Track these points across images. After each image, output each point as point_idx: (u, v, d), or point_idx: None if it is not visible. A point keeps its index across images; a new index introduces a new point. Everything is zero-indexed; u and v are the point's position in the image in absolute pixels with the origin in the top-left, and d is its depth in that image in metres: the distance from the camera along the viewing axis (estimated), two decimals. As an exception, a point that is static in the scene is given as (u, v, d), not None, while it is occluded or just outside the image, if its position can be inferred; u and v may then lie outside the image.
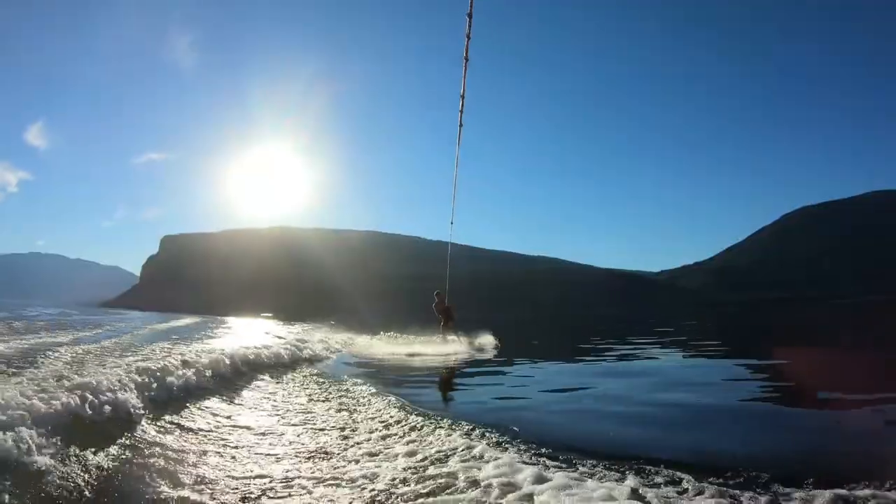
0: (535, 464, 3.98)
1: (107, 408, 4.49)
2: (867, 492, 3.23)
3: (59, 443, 3.63)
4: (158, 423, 4.94)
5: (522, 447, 4.45)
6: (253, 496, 3.50)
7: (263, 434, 5.19)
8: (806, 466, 3.67)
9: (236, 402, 6.72)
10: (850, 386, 6.97)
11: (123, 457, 3.94)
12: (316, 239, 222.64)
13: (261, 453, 4.53)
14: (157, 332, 17.10)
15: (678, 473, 3.62)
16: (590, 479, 3.66)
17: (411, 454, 4.39)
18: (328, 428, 5.43)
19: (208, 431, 5.11)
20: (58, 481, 3.29)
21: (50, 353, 8.13)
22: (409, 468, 4.03)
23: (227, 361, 8.39)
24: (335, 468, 4.10)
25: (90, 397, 4.43)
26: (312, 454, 4.52)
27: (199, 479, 3.77)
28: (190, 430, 5.06)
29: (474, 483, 3.67)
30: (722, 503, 3.17)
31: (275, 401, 7.08)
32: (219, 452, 4.48)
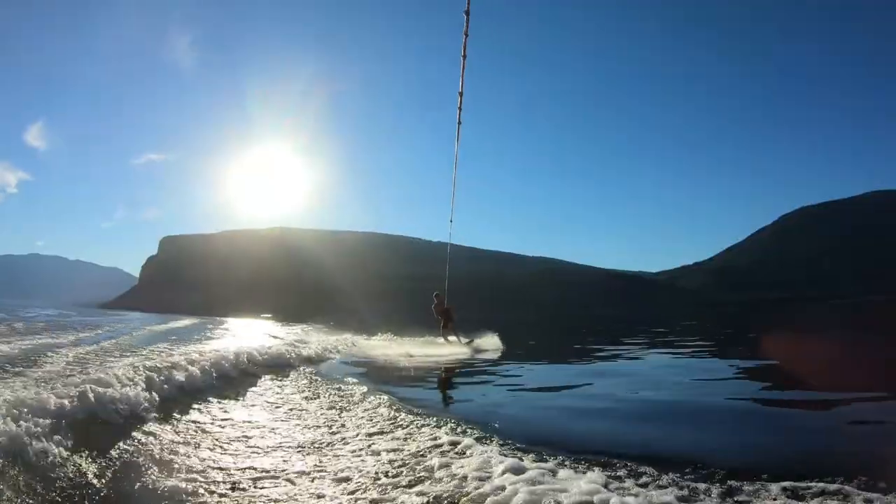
0: (510, 457, 4.21)
1: (112, 404, 4.76)
2: (816, 485, 3.46)
3: (59, 437, 3.88)
4: (156, 418, 5.21)
5: (500, 442, 4.68)
6: (241, 486, 3.75)
7: (255, 429, 5.46)
8: (760, 462, 3.90)
9: (232, 399, 7.00)
10: (827, 386, 7.15)
11: (121, 449, 4.21)
12: (315, 240, 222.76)
13: (251, 447, 4.79)
14: (155, 334, 17.36)
15: (641, 467, 3.86)
16: (562, 470, 3.89)
17: (395, 449, 4.63)
18: (318, 425, 5.69)
19: (202, 426, 5.39)
20: (54, 475, 3.53)
21: (51, 353, 8.38)
22: (392, 461, 4.27)
23: (226, 362, 8.69)
24: (321, 461, 4.36)
25: (91, 396, 4.68)
26: (300, 448, 4.77)
27: (190, 469, 4.05)
28: (185, 424, 5.34)
29: (452, 475, 3.92)
30: (678, 493, 3.41)
31: (270, 399, 7.35)
32: (210, 446, 4.75)
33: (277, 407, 6.75)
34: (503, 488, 3.63)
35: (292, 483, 3.82)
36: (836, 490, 3.39)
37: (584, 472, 3.82)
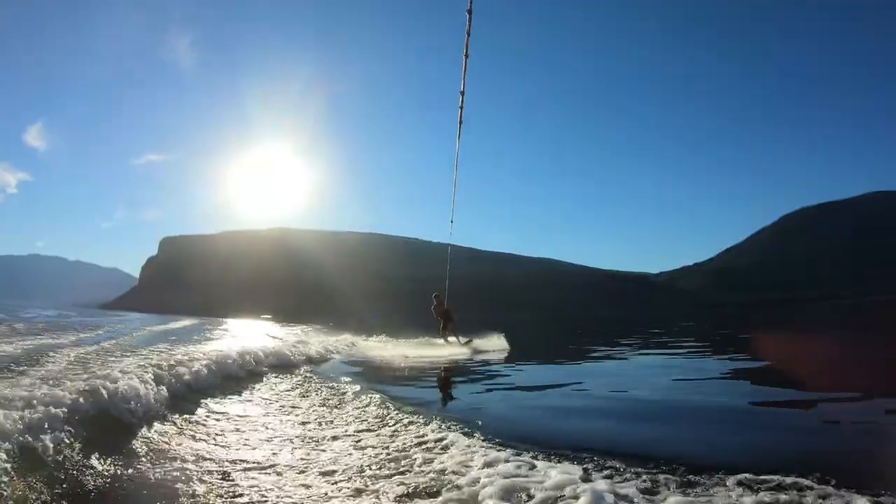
0: (490, 451, 4.43)
1: (123, 402, 5.02)
2: (773, 478, 3.67)
3: (69, 433, 4.14)
4: (161, 415, 5.46)
5: (482, 438, 4.89)
6: (230, 477, 3.98)
7: (249, 424, 5.73)
8: (723, 458, 4.10)
9: (231, 396, 7.29)
10: (811, 386, 7.23)
11: (126, 442, 4.47)
12: (315, 240, 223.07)
13: (244, 440, 5.05)
14: (155, 334, 17.58)
15: (609, 461, 4.08)
16: (539, 463, 4.11)
17: (381, 444, 4.86)
18: (309, 421, 5.94)
19: (200, 420, 5.66)
20: (63, 469, 3.77)
21: (53, 353, 8.61)
22: (377, 455, 4.50)
23: (230, 360, 8.93)
24: (308, 454, 4.60)
25: (103, 393, 4.93)
26: (290, 442, 5.03)
27: (183, 459, 4.32)
28: (184, 419, 5.59)
29: (434, 468, 4.14)
30: (641, 486, 3.63)
31: (266, 395, 7.65)
32: (204, 438, 5.03)
33: (271, 404, 7.00)
34: (479, 480, 3.86)
35: (280, 474, 4.06)
36: (791, 483, 3.58)
37: (557, 465, 4.05)
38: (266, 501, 3.54)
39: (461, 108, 8.03)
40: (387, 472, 4.09)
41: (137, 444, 4.52)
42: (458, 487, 3.72)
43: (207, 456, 4.47)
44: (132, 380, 5.55)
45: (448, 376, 10.76)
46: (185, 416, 5.71)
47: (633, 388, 7.85)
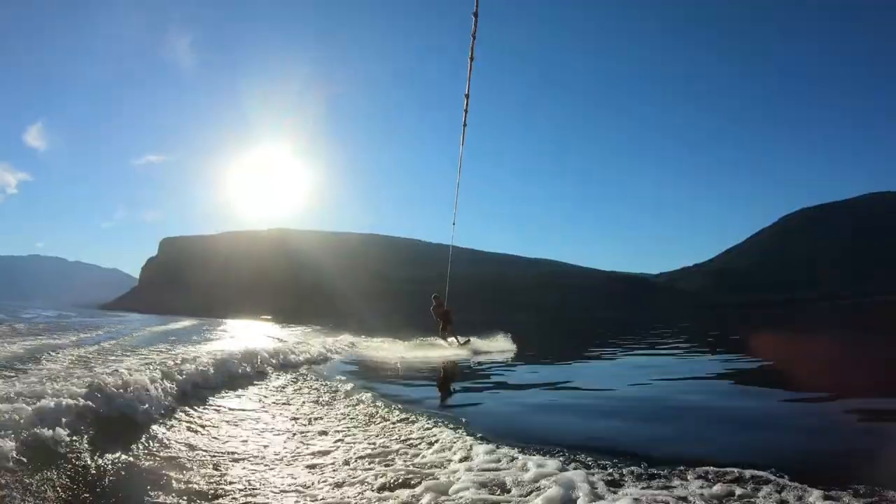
0: (475, 444, 4.66)
1: (127, 399, 5.25)
2: (732, 471, 3.88)
3: (73, 429, 4.37)
4: (162, 413, 5.67)
5: (467, 433, 5.10)
6: (222, 468, 4.22)
7: (244, 418, 5.98)
8: (688, 452, 4.31)
9: (230, 394, 7.49)
10: (797, 386, 7.31)
11: (126, 437, 4.68)
12: (315, 241, 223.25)
13: (237, 434, 5.30)
14: (155, 335, 17.84)
15: (579, 455, 4.30)
16: (520, 457, 4.32)
17: (367, 439, 5.09)
18: (300, 416, 6.19)
19: (194, 416, 5.86)
20: (67, 464, 4.00)
21: (54, 353, 8.84)
22: (363, 450, 4.72)
23: (226, 361, 9.12)
24: (297, 448, 4.85)
25: (108, 390, 5.15)
26: (281, 436, 5.30)
27: (178, 450, 4.59)
28: (185, 414, 5.83)
29: (416, 462, 4.37)
30: (607, 478, 3.84)
31: (262, 392, 7.86)
32: (200, 431, 5.29)
33: (266, 401, 7.24)
34: (458, 472, 4.09)
35: (269, 466, 4.30)
36: (750, 476, 3.80)
37: (533, 457, 4.28)
38: (254, 490, 3.77)
39: (465, 111, 7.94)
40: (370, 464, 4.32)
41: (144, 438, 4.76)
42: (438, 479, 3.95)
43: (204, 448, 4.72)
44: (141, 376, 5.80)
45: (441, 376, 10.98)
46: (188, 411, 5.96)
47: (615, 387, 8.08)
